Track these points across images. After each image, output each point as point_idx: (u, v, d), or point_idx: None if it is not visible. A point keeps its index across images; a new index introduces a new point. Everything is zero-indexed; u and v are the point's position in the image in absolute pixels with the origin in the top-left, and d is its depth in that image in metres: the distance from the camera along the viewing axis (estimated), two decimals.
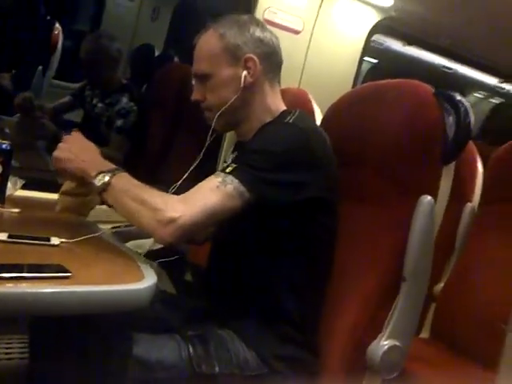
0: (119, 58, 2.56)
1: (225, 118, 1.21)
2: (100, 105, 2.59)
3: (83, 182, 1.15)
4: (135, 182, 1.09)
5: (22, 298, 0.82)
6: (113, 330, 0.99)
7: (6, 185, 1.38)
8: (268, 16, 1.91)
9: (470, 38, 2.29)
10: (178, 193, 1.11)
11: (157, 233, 1.02)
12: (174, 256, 1.42)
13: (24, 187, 1.47)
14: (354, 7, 2.09)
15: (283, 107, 1.27)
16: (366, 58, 2.42)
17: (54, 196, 1.60)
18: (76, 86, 2.91)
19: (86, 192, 1.24)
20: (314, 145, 1.11)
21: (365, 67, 2.95)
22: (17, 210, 1.32)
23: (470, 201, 1.86)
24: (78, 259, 1.00)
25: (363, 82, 2.41)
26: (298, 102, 1.63)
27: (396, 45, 2.75)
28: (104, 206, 1.18)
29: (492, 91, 3.82)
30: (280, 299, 1.16)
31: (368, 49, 2.21)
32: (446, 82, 3.10)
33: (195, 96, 1.23)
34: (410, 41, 2.41)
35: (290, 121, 1.14)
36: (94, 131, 2.46)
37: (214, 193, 1.03)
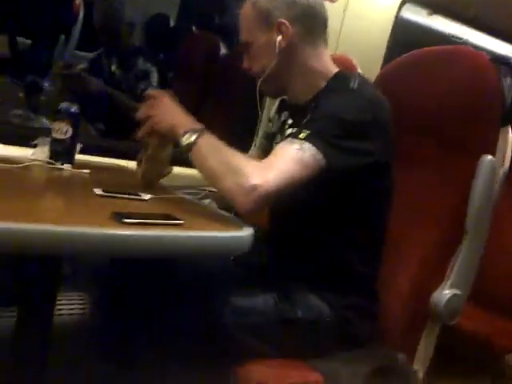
0: (133, 22, 2.59)
1: (271, 84, 1.25)
2: (119, 71, 2.60)
3: (166, 143, 1.19)
4: (221, 144, 1.08)
5: (143, 241, 0.88)
6: (212, 278, 1.06)
7: (75, 147, 1.44)
8: None
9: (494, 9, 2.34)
10: None
11: (238, 198, 1.01)
12: None
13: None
14: None
15: (335, 69, 1.26)
16: None
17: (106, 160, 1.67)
18: None
19: (164, 159, 1.26)
20: (380, 113, 1.14)
21: None
22: (87, 171, 1.37)
23: None
24: (176, 211, 1.06)
25: None
26: (343, 68, 1.68)
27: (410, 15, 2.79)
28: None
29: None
30: (342, 254, 1.21)
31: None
32: None
33: (244, 65, 1.27)
34: (436, 10, 2.45)
35: (355, 87, 1.15)
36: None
37: (294, 161, 1.04)
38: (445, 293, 1.25)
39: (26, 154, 1.39)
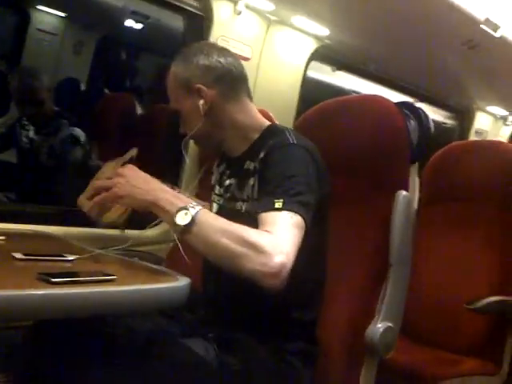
0: (50, 88, 2.57)
1: (204, 142, 1.33)
2: (37, 137, 2.55)
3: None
4: (216, 216, 1.04)
5: (75, 299, 0.84)
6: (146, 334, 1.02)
7: None
8: (221, 44, 2.04)
9: (393, 63, 2.58)
10: None
11: (268, 281, 0.96)
12: None
13: None
14: (294, 36, 2.29)
15: (264, 120, 1.31)
16: None
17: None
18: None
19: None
20: (318, 160, 1.19)
21: None
22: (2, 237, 1.29)
23: None
24: (106, 269, 1.02)
25: None
26: None
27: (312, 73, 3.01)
28: None
29: None
30: (282, 302, 1.15)
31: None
32: None
33: (180, 130, 1.33)
34: (340, 67, 2.65)
35: (295, 141, 1.18)
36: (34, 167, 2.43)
37: (294, 227, 1.02)
38: (378, 326, 1.29)
39: None
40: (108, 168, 1.24)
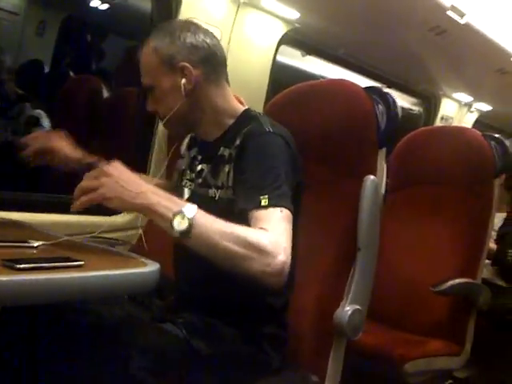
0: (11, 70, 2.49)
1: (176, 125, 1.27)
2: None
3: None
4: (213, 217, 1.00)
5: (41, 285, 0.82)
6: (116, 321, 1.00)
7: None
8: None
9: (361, 49, 2.59)
10: None
11: (272, 279, 1.00)
12: None
13: None
14: (264, 19, 2.27)
15: (239, 106, 1.30)
16: None
17: None
18: None
19: None
20: (293, 148, 1.19)
21: None
22: None
23: None
24: (73, 255, 0.99)
25: None
26: None
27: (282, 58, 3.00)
28: None
29: None
30: (256, 289, 1.12)
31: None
32: None
33: (149, 108, 1.27)
34: (309, 51, 2.65)
35: (271, 130, 1.18)
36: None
37: (287, 223, 1.05)
38: (346, 309, 1.30)
39: None
40: None
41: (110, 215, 1.90)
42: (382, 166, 1.42)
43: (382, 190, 1.48)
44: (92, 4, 3.64)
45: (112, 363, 0.99)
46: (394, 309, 1.95)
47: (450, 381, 1.95)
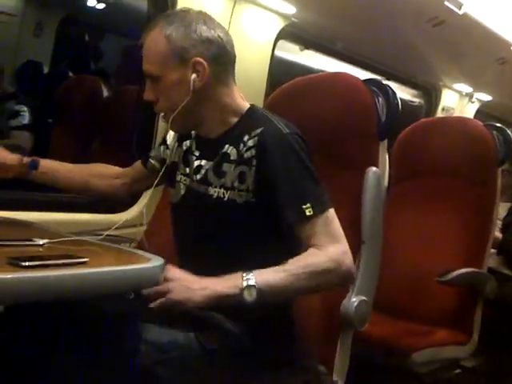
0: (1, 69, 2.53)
1: (180, 121, 1.19)
2: None
3: None
4: (273, 268, 1.08)
5: (46, 282, 0.82)
6: (123, 318, 1.00)
7: None
8: None
9: (360, 42, 2.58)
10: None
11: (344, 284, 1.21)
12: None
13: None
14: (261, 14, 2.26)
15: (245, 104, 1.25)
16: None
17: None
18: None
19: None
20: (307, 144, 1.20)
21: None
22: None
23: None
24: (77, 252, 0.99)
25: None
26: None
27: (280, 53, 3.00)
28: None
29: None
30: None
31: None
32: None
33: (147, 96, 1.20)
34: (307, 46, 2.64)
35: (287, 130, 1.16)
36: None
37: (335, 223, 1.14)
38: (353, 300, 1.30)
39: None
40: None
41: (114, 213, 1.90)
42: (384, 158, 1.43)
43: (385, 182, 1.50)
44: (89, 4, 3.64)
45: (118, 359, 0.99)
46: (401, 299, 1.94)
47: (458, 370, 1.95)
